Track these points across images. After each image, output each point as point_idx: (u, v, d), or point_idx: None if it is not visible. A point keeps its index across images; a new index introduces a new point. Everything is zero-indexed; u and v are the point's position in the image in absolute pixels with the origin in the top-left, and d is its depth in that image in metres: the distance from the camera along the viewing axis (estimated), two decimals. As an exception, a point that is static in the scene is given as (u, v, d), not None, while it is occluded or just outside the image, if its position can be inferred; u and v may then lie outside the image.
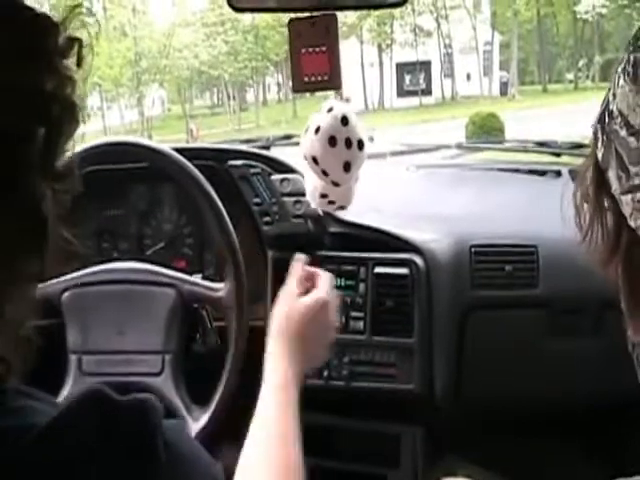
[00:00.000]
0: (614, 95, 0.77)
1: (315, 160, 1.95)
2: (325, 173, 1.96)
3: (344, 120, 1.93)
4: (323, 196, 2.07)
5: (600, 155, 0.79)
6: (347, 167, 1.95)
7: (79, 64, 0.83)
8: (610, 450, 2.33)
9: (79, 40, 0.83)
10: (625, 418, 2.13)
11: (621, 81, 0.76)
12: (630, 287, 0.79)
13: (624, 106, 0.74)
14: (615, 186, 0.75)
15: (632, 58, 0.74)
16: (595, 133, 0.80)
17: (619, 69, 0.77)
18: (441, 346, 2.22)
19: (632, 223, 0.74)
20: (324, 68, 1.86)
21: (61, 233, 0.83)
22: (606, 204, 0.78)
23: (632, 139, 0.73)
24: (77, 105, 0.83)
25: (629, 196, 0.73)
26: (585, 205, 0.82)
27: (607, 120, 0.78)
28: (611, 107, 0.77)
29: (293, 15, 1.85)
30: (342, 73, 1.88)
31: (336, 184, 1.99)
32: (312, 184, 2.07)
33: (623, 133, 0.74)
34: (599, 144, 0.79)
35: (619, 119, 0.75)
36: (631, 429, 2.06)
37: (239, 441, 2.52)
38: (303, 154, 1.98)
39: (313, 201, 2.07)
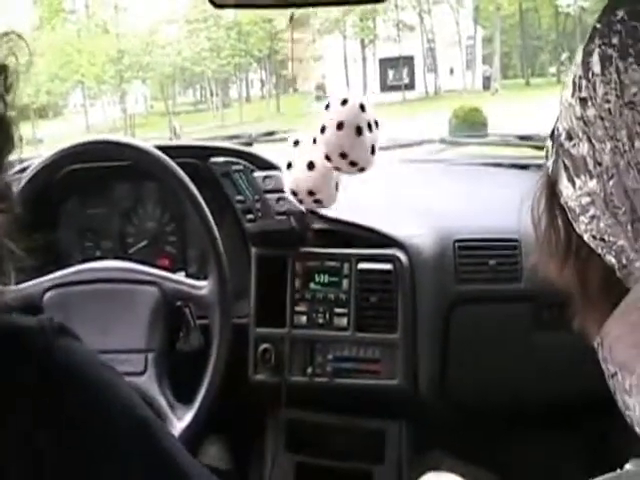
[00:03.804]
0: (560, 110, 0.82)
1: (344, 155, 1.97)
2: (354, 164, 1.99)
3: (362, 107, 1.95)
4: (311, 193, 2.08)
5: (550, 168, 0.83)
6: (373, 150, 1.99)
7: (7, 91, 0.84)
8: (594, 443, 2.34)
9: (5, 67, 0.85)
10: (608, 411, 2.13)
11: (565, 95, 0.80)
12: (582, 290, 0.83)
13: (569, 119, 0.79)
14: (564, 196, 0.80)
15: (573, 74, 0.79)
16: (547, 147, 0.84)
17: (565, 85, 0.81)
18: (425, 341, 2.22)
19: (577, 228, 0.79)
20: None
21: (8, 249, 0.84)
22: (557, 213, 0.83)
23: (574, 150, 0.77)
24: (10, 124, 0.83)
25: (574, 203, 0.78)
26: (541, 217, 0.86)
27: (556, 134, 0.82)
28: (559, 122, 0.82)
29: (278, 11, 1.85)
30: (315, 69, 1.90)
31: (362, 170, 2.02)
32: (295, 182, 2.08)
33: (567, 145, 0.79)
34: (550, 157, 0.84)
35: (564, 132, 0.79)
36: (614, 422, 2.06)
37: (222, 438, 2.52)
38: (325, 154, 2.00)
39: (296, 198, 2.09)
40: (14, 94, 0.85)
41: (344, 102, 1.98)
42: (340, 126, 1.96)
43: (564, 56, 36.91)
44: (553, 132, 0.83)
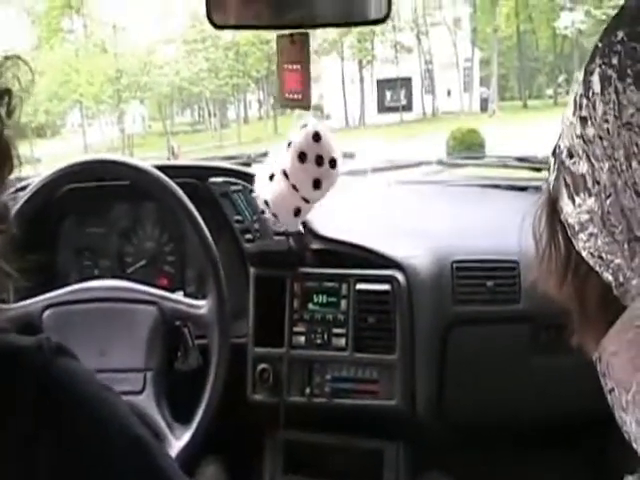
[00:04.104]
0: (562, 128, 0.82)
1: (285, 174, 1.96)
2: (295, 188, 1.98)
3: (316, 137, 1.94)
4: (267, 204, 2.08)
5: (552, 185, 0.83)
6: (317, 184, 1.96)
7: (9, 115, 0.86)
8: (592, 462, 2.34)
9: (9, 91, 0.86)
10: (606, 429, 2.13)
11: (567, 113, 0.81)
12: (580, 307, 0.83)
13: (570, 137, 0.79)
14: (564, 213, 0.80)
15: (575, 92, 0.79)
16: (549, 164, 0.84)
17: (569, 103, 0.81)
18: (423, 362, 2.22)
19: (576, 245, 0.79)
20: (299, 87, 1.87)
21: (4, 268, 0.85)
22: (558, 230, 0.83)
23: (574, 167, 0.78)
24: (8, 144, 0.84)
25: (574, 220, 0.79)
26: (542, 233, 0.86)
27: (557, 151, 0.82)
28: (561, 139, 0.82)
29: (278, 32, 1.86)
30: (312, 90, 1.89)
31: (306, 200, 2.00)
32: (259, 189, 2.08)
33: (568, 162, 0.79)
34: (551, 174, 0.84)
35: (565, 150, 0.80)
36: (612, 440, 2.07)
37: (220, 458, 2.52)
38: (278, 167, 2.00)
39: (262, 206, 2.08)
40: (16, 117, 0.86)
41: (304, 126, 1.98)
42: (289, 145, 1.97)
43: (561, 78, 37.02)
44: (555, 149, 0.84)
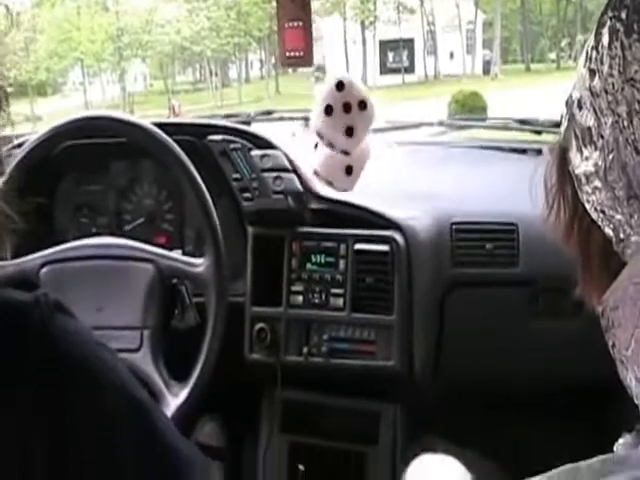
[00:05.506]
0: (576, 79, 0.82)
1: (320, 135, 1.96)
2: (332, 145, 1.97)
3: (339, 85, 1.94)
4: (317, 174, 2.08)
5: (563, 135, 0.84)
6: (349, 131, 1.96)
7: None
8: (591, 426, 2.34)
9: None
10: (605, 399, 2.14)
11: (580, 63, 0.80)
12: (584, 260, 0.84)
13: (580, 88, 0.79)
14: (572, 164, 0.81)
15: (587, 44, 0.79)
16: (562, 115, 0.85)
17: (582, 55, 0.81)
18: (421, 323, 2.22)
19: (581, 198, 0.80)
20: (301, 44, 1.86)
21: (3, 213, 0.85)
22: (567, 180, 0.83)
23: (582, 119, 0.78)
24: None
25: (580, 172, 0.79)
26: (553, 183, 0.86)
27: (569, 102, 0.82)
28: (573, 90, 0.82)
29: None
30: (314, 50, 1.89)
31: (345, 152, 1.99)
32: (308, 166, 2.08)
33: (578, 114, 0.79)
34: (563, 124, 0.84)
35: (576, 101, 0.80)
36: (610, 410, 2.07)
37: (217, 417, 2.52)
38: (313, 132, 2.00)
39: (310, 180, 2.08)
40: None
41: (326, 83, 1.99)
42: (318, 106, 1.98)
43: (564, 42, 36.90)
44: (568, 99, 0.84)
